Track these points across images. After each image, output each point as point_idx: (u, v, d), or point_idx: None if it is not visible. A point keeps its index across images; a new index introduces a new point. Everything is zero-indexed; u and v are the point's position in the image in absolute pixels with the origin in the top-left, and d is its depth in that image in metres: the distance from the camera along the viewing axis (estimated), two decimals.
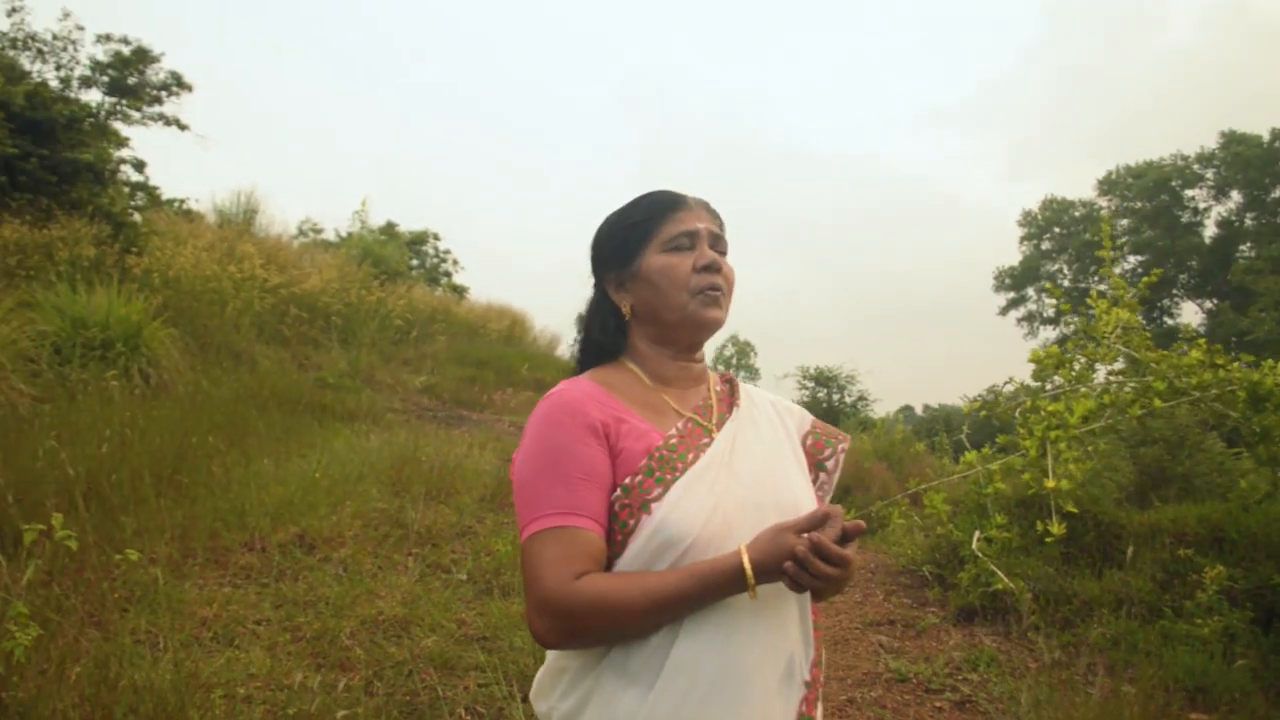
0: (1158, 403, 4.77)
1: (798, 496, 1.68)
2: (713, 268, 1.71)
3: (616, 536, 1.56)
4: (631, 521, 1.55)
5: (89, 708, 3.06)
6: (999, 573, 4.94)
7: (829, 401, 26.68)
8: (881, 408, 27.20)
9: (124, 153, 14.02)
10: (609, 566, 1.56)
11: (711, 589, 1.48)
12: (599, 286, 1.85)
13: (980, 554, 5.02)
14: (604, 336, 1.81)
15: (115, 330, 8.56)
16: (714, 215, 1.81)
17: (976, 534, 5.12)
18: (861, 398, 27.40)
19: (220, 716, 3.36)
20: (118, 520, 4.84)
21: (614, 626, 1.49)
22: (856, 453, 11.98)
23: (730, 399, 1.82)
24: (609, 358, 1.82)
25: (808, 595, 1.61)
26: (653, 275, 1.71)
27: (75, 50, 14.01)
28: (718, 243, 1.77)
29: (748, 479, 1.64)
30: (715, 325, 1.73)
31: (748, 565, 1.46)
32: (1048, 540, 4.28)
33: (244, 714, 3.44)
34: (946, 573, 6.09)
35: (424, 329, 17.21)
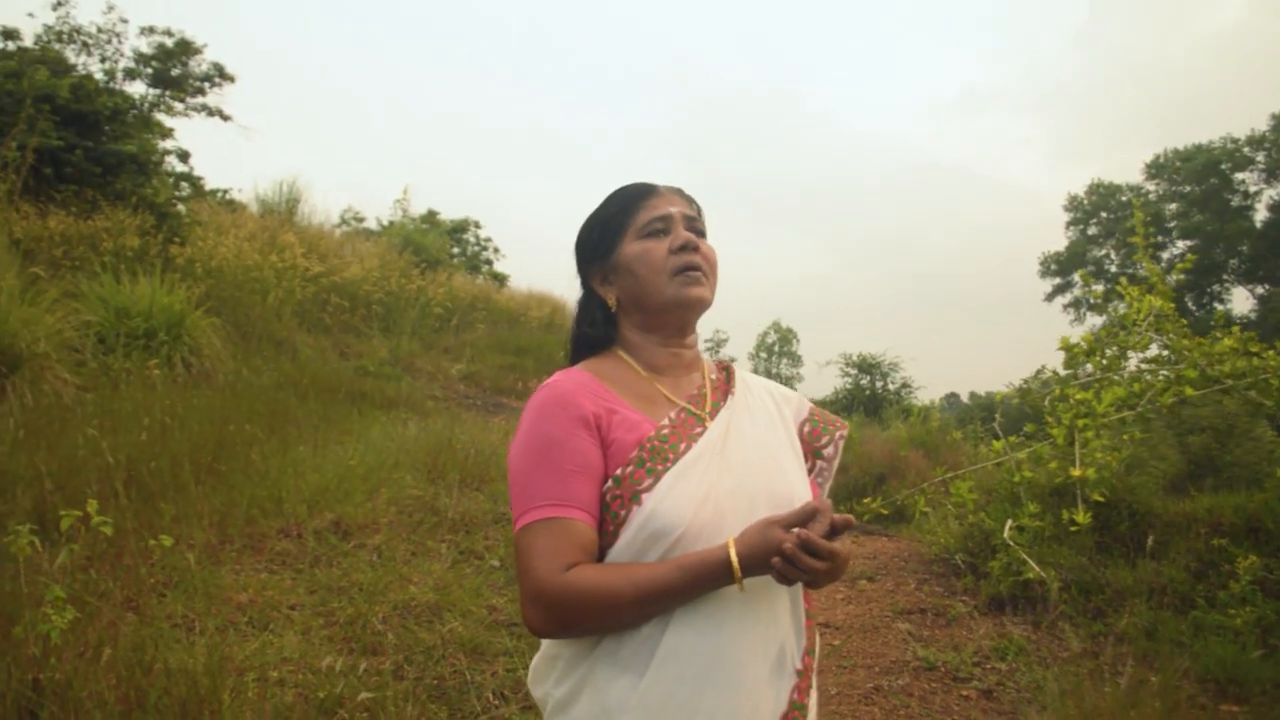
0: (1190, 391, 4.72)
1: (792, 486, 1.69)
2: (689, 247, 1.72)
3: (608, 527, 1.58)
4: (623, 512, 1.57)
5: (124, 689, 3.14)
6: (1030, 561, 4.93)
7: (872, 389, 26.52)
8: (926, 395, 26.98)
9: (168, 144, 14.23)
10: (601, 557, 1.58)
11: (700, 582, 1.50)
12: (585, 284, 1.88)
13: (1012, 542, 5.00)
14: (593, 330, 1.84)
15: (158, 320, 8.70)
16: (688, 200, 1.83)
17: (1009, 522, 5.11)
18: (905, 385, 27.18)
19: (252, 699, 3.43)
20: (157, 507, 4.94)
21: (604, 617, 1.52)
22: (893, 441, 11.93)
23: (726, 386, 1.83)
24: (601, 349, 1.85)
25: (799, 585, 1.63)
26: (631, 263, 1.74)
27: (119, 43, 14.26)
28: (693, 224, 1.78)
29: (740, 468, 1.66)
30: (699, 304, 1.74)
31: (735, 560, 1.47)
32: (1074, 530, 4.25)
33: (275, 697, 3.51)
34: (979, 561, 6.06)
35: (464, 317, 17.33)
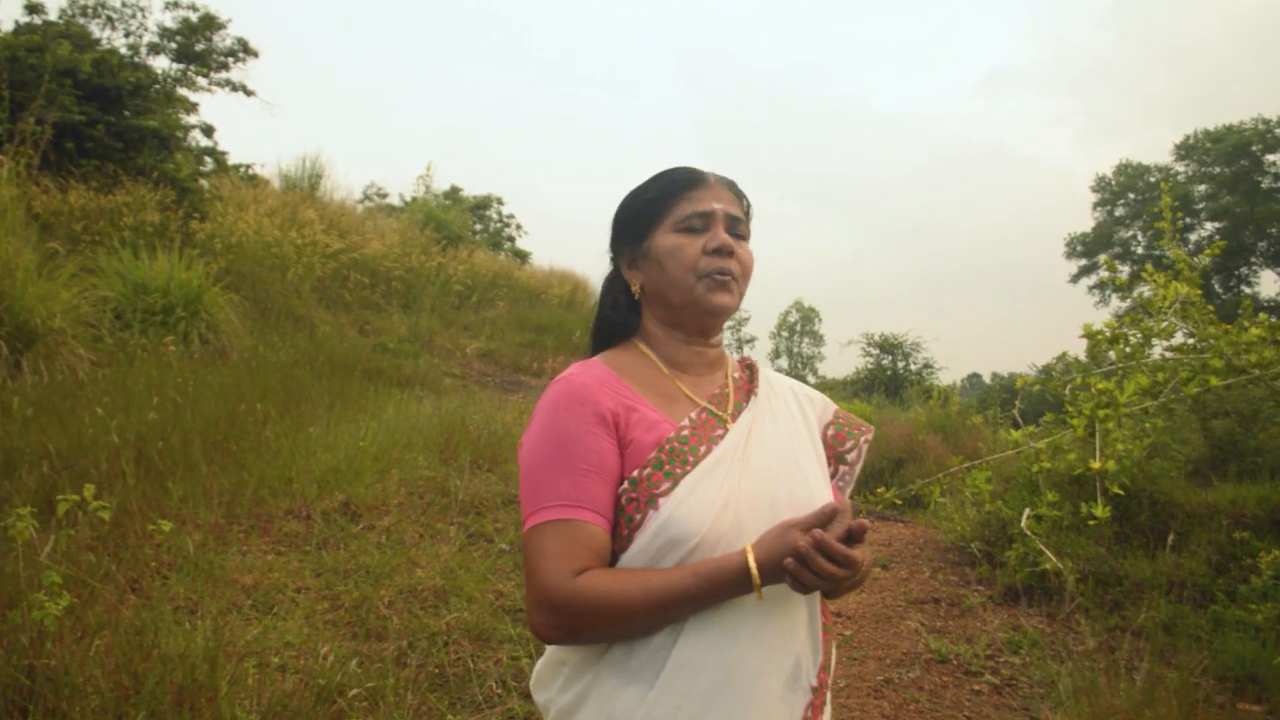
0: (1214, 381, 4.61)
1: (814, 492, 1.61)
2: (723, 251, 1.62)
3: (622, 531, 1.51)
4: (638, 516, 1.50)
5: (121, 675, 3.11)
6: (1047, 552, 4.84)
7: (893, 369, 26.39)
8: (948, 375, 26.84)
9: (192, 119, 14.24)
10: (614, 561, 1.51)
11: (716, 589, 1.42)
12: (614, 262, 1.79)
13: (1029, 532, 4.92)
14: (615, 314, 1.76)
15: (176, 295, 8.70)
16: (737, 196, 1.71)
17: (1026, 511, 5.02)
18: (927, 365, 27.02)
19: (252, 686, 3.40)
20: (165, 486, 4.92)
21: (614, 625, 1.45)
22: (911, 424, 11.81)
23: (749, 386, 1.75)
24: (621, 337, 1.77)
25: (817, 596, 1.55)
26: (661, 255, 1.65)
27: (144, 17, 14.27)
28: (735, 225, 1.67)
29: (761, 474, 1.58)
30: (723, 312, 1.65)
31: (753, 567, 1.40)
32: (1091, 523, 4.16)
33: (275, 684, 3.48)
34: (995, 550, 5.98)
35: (484, 294, 17.31)
